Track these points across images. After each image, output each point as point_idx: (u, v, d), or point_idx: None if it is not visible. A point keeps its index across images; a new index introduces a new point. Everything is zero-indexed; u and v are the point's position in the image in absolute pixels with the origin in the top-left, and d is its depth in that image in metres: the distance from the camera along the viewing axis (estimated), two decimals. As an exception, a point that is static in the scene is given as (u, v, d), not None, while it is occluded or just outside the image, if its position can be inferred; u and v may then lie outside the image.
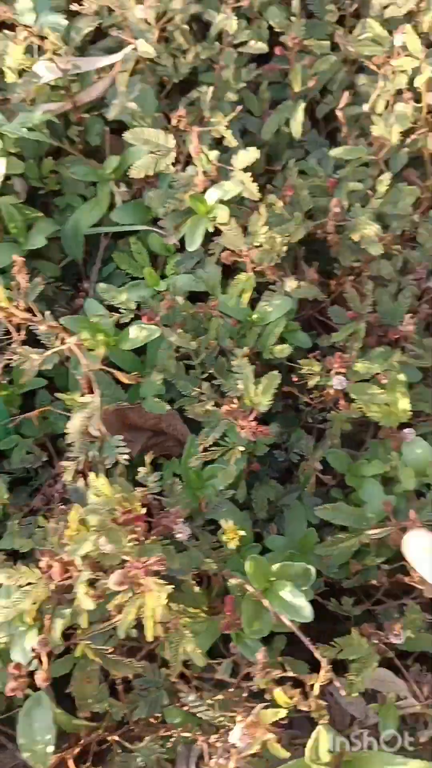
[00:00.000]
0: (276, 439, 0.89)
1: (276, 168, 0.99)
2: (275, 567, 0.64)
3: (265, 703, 0.55)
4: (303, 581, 0.64)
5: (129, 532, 0.60)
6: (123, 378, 0.67)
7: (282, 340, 0.91)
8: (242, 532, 0.67)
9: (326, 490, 0.89)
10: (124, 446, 0.68)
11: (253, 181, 0.98)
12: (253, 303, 0.87)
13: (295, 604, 0.61)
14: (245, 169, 0.96)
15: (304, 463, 0.86)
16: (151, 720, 0.72)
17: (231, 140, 0.77)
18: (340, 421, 0.83)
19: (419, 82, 0.82)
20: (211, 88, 0.91)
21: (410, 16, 0.93)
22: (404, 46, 0.84)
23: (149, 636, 0.53)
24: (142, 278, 0.89)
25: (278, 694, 0.53)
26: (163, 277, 0.92)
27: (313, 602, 0.85)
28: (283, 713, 0.53)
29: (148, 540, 0.58)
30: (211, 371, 0.84)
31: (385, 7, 0.92)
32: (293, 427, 0.93)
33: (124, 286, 0.89)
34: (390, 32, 0.89)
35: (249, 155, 0.76)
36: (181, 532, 0.60)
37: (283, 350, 0.82)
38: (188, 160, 0.89)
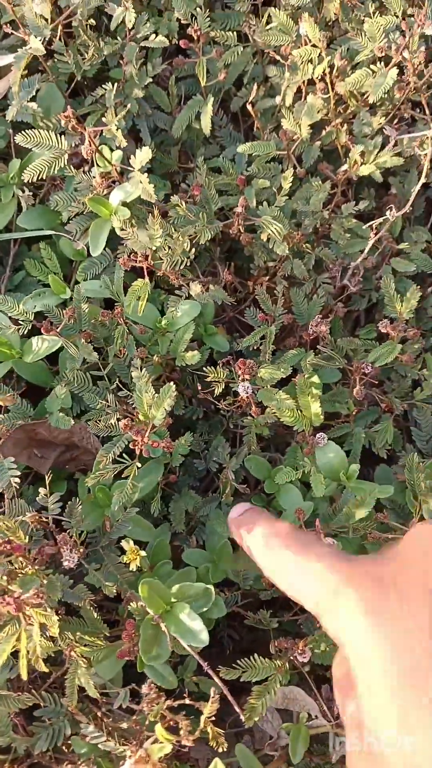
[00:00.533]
0: (195, 447, 0.87)
1: (191, 165, 0.96)
2: (174, 589, 0.61)
3: (154, 737, 0.53)
4: (203, 602, 0.61)
5: (22, 561, 0.57)
6: None
7: (201, 344, 0.88)
8: (143, 553, 0.64)
9: (249, 497, 0.86)
10: (15, 468, 0.65)
11: (170, 180, 0.96)
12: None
13: (193, 628, 0.58)
14: (156, 168, 0.94)
15: (223, 472, 0.83)
16: (64, 748, 0.70)
17: (122, 140, 0.73)
18: (257, 426, 0.80)
19: (318, 71, 0.79)
20: (116, 85, 0.87)
21: (320, 4, 0.90)
22: (308, 35, 0.81)
23: (23, 675, 0.50)
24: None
25: (159, 729, 0.51)
26: (77, 283, 0.88)
27: (239, 614, 0.83)
28: (169, 748, 0.50)
29: (30, 570, 0.55)
30: (124, 382, 0.81)
31: (294, -5, 0.89)
32: (217, 432, 0.91)
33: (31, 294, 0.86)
34: (297, 21, 0.86)
35: (144, 155, 0.73)
36: (68, 559, 0.57)
37: (193, 357, 0.79)
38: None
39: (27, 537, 0.58)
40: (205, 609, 0.61)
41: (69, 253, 0.89)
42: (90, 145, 0.73)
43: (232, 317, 0.95)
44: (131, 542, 0.65)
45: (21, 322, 0.76)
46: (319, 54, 0.79)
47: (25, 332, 0.76)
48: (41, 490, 0.67)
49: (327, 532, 0.67)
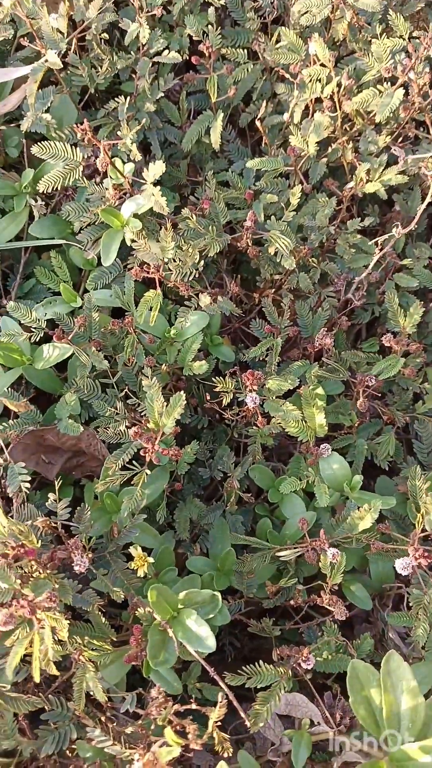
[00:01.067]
0: (200, 456, 0.88)
1: (200, 179, 0.97)
2: (182, 595, 0.62)
3: (163, 740, 0.54)
4: (210, 608, 0.62)
5: (34, 565, 0.58)
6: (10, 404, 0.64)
7: (207, 354, 0.89)
8: (150, 559, 0.65)
9: (252, 505, 0.87)
10: (26, 473, 0.66)
11: (178, 193, 0.98)
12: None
13: (199, 633, 0.59)
14: (165, 181, 0.95)
15: (227, 481, 0.84)
16: (68, 752, 0.70)
17: (136, 154, 0.75)
18: (262, 436, 0.82)
19: (327, 91, 0.81)
20: (128, 99, 0.89)
21: (328, 24, 0.92)
22: (317, 55, 0.83)
23: (36, 677, 0.51)
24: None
25: (168, 733, 0.52)
26: (86, 291, 0.90)
27: (241, 621, 0.84)
28: (177, 752, 0.51)
29: (42, 574, 0.56)
30: (132, 390, 0.83)
31: (302, 15, 0.91)
32: (221, 442, 0.92)
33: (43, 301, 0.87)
34: (306, 41, 0.88)
35: (156, 168, 0.74)
36: (79, 564, 0.58)
37: (201, 367, 0.80)
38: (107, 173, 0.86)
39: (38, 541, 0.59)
40: (211, 615, 0.62)
41: (79, 262, 0.91)
42: (104, 158, 0.75)
43: (237, 328, 0.96)
44: (139, 549, 0.66)
45: (33, 330, 0.77)
46: (328, 74, 0.81)
47: (37, 339, 0.77)
48: (51, 496, 0.68)
49: (330, 542, 0.68)
